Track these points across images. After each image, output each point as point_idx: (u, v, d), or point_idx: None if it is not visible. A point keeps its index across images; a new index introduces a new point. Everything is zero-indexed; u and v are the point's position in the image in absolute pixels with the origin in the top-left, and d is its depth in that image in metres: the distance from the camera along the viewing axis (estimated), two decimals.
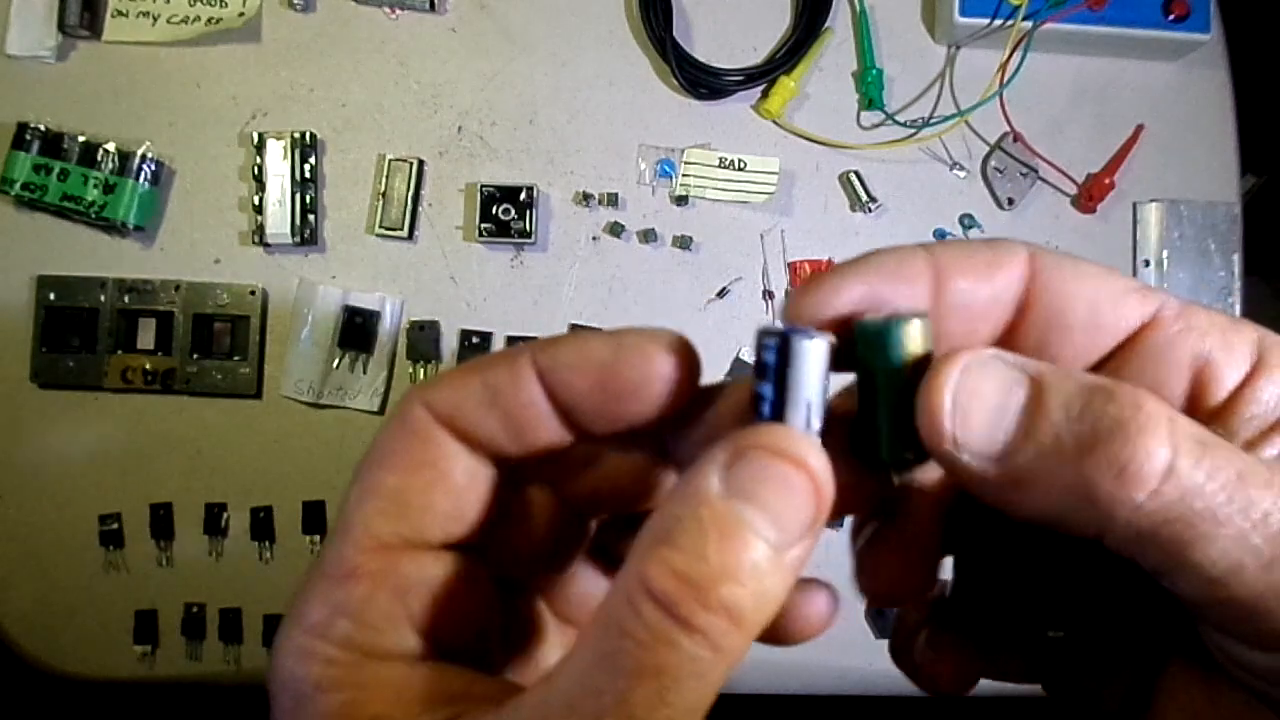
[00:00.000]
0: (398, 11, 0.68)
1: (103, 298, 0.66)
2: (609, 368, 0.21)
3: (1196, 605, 0.19)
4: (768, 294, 0.68)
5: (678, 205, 0.68)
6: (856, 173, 0.68)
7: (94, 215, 0.65)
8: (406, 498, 0.22)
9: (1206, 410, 0.21)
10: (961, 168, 0.69)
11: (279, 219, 0.65)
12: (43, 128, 0.64)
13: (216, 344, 0.67)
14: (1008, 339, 0.22)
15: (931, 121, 0.68)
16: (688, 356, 0.22)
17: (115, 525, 0.66)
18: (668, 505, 0.19)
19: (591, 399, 0.22)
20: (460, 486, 0.22)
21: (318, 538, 0.67)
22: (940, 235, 0.69)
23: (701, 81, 0.67)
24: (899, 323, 0.19)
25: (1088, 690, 0.24)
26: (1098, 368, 0.22)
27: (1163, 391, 0.21)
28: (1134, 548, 0.18)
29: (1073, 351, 0.22)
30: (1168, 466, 0.18)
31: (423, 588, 0.22)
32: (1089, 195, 0.68)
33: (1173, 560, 0.18)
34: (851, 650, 0.68)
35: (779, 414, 0.19)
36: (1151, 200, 0.70)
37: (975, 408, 0.19)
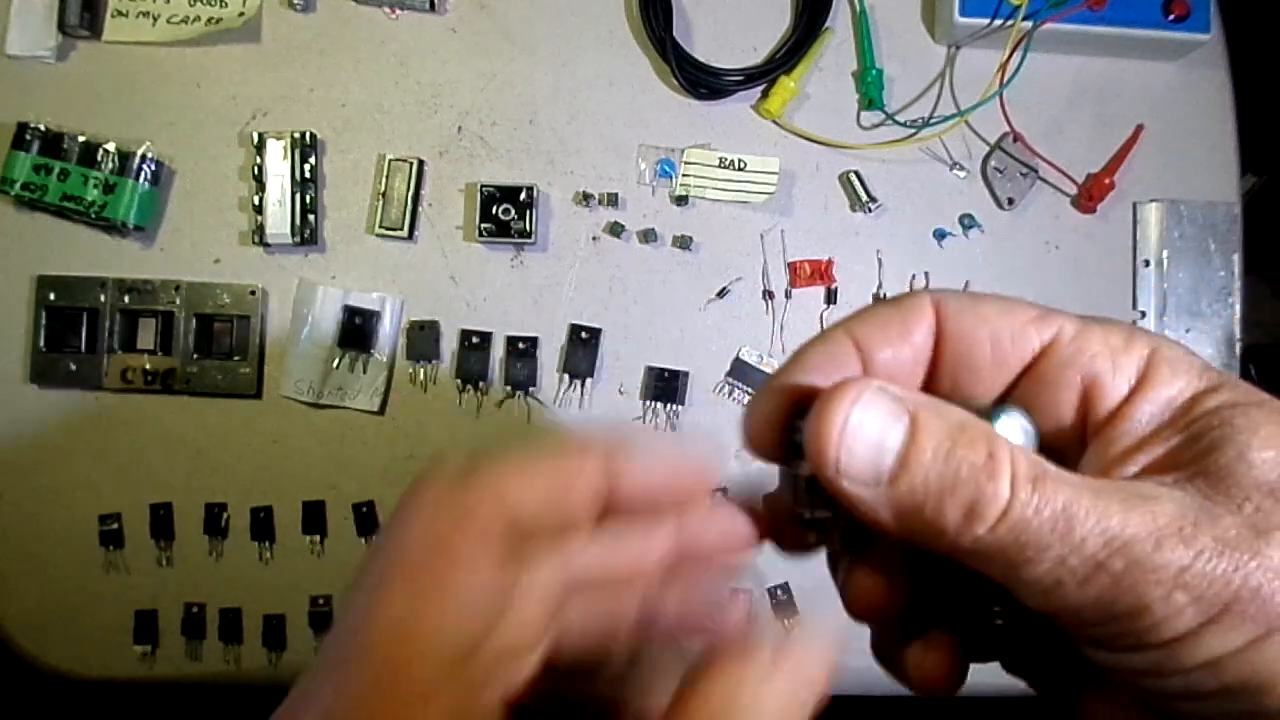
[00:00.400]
0: (398, 11, 0.68)
1: (103, 298, 0.66)
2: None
3: (1038, 613, 0.22)
4: (768, 294, 0.68)
5: (678, 205, 0.68)
6: (856, 173, 0.68)
7: (94, 215, 0.65)
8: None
9: (1094, 424, 0.24)
10: (961, 168, 0.69)
11: (279, 219, 0.66)
12: (43, 128, 0.64)
13: (217, 344, 0.67)
14: (927, 383, 0.25)
15: (931, 121, 0.68)
16: None
17: (115, 525, 0.66)
18: None
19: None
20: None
21: (318, 538, 0.67)
22: (940, 235, 0.69)
23: (701, 81, 0.67)
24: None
25: (1038, 673, 0.27)
26: (1005, 393, 0.25)
27: (1057, 410, 0.24)
28: (979, 567, 0.22)
29: (982, 385, 0.25)
30: (1004, 507, 0.21)
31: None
32: (1089, 195, 0.68)
33: (1009, 578, 0.21)
34: (851, 650, 0.68)
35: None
36: (1151, 200, 0.70)
37: (859, 440, 0.22)
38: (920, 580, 0.25)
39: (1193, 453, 0.22)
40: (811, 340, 0.25)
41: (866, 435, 0.21)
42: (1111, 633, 0.21)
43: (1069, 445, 0.25)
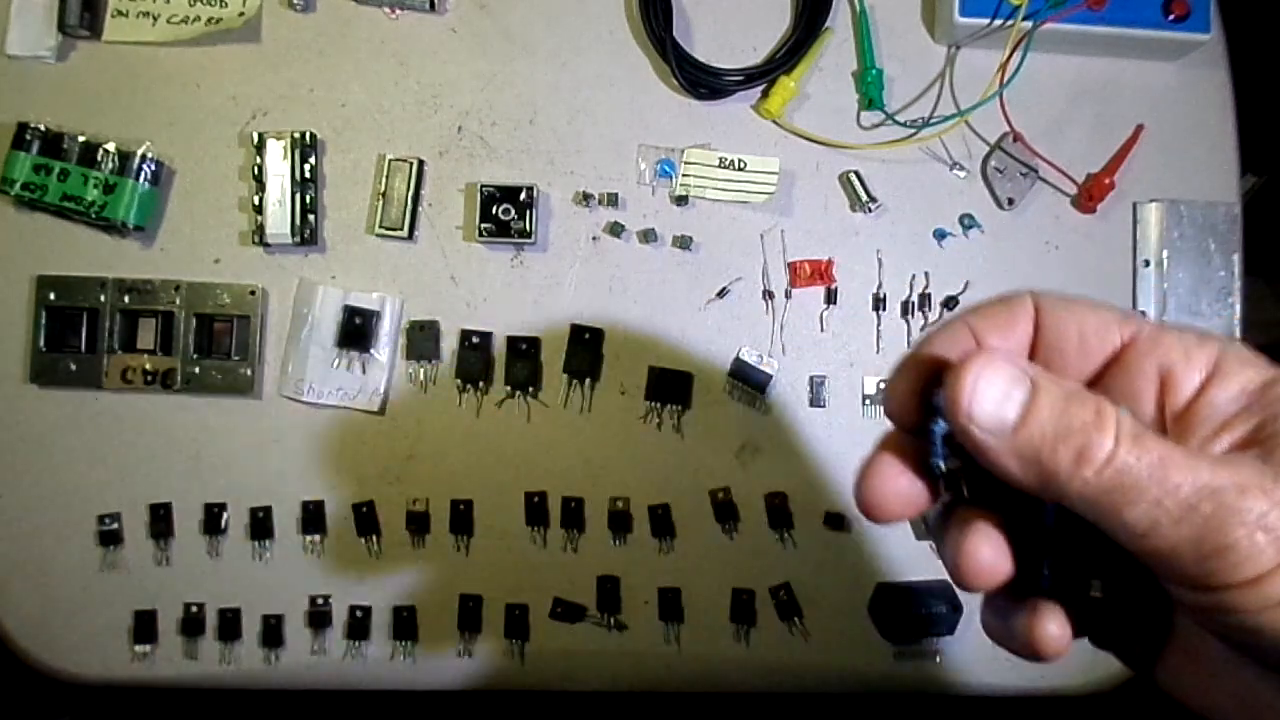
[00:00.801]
0: (398, 11, 0.68)
1: (103, 298, 0.66)
2: None
3: (1137, 556, 0.25)
4: (768, 294, 0.68)
5: (678, 205, 0.68)
6: (856, 173, 0.68)
7: (94, 215, 0.65)
8: None
9: (1172, 412, 0.27)
10: (961, 168, 0.69)
11: (279, 219, 0.66)
12: (43, 128, 0.64)
13: (216, 344, 0.67)
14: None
15: (931, 121, 0.68)
16: None
17: (115, 525, 0.66)
18: None
19: None
20: None
21: (317, 537, 0.67)
22: (940, 235, 0.69)
23: (701, 81, 0.67)
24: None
25: (1127, 643, 0.30)
26: (1092, 382, 0.29)
27: (1137, 398, 0.28)
28: (1085, 509, 0.25)
29: (1071, 370, 0.29)
30: (1110, 454, 0.24)
31: None
32: (1089, 195, 0.68)
33: (1111, 520, 0.25)
34: (851, 650, 0.68)
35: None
36: (1151, 200, 0.70)
37: (987, 393, 0.26)
38: (1024, 555, 0.28)
39: (1267, 432, 0.26)
40: (935, 327, 0.30)
41: (994, 392, 0.25)
42: (1202, 572, 0.24)
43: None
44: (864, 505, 0.29)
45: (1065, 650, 0.28)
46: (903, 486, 0.29)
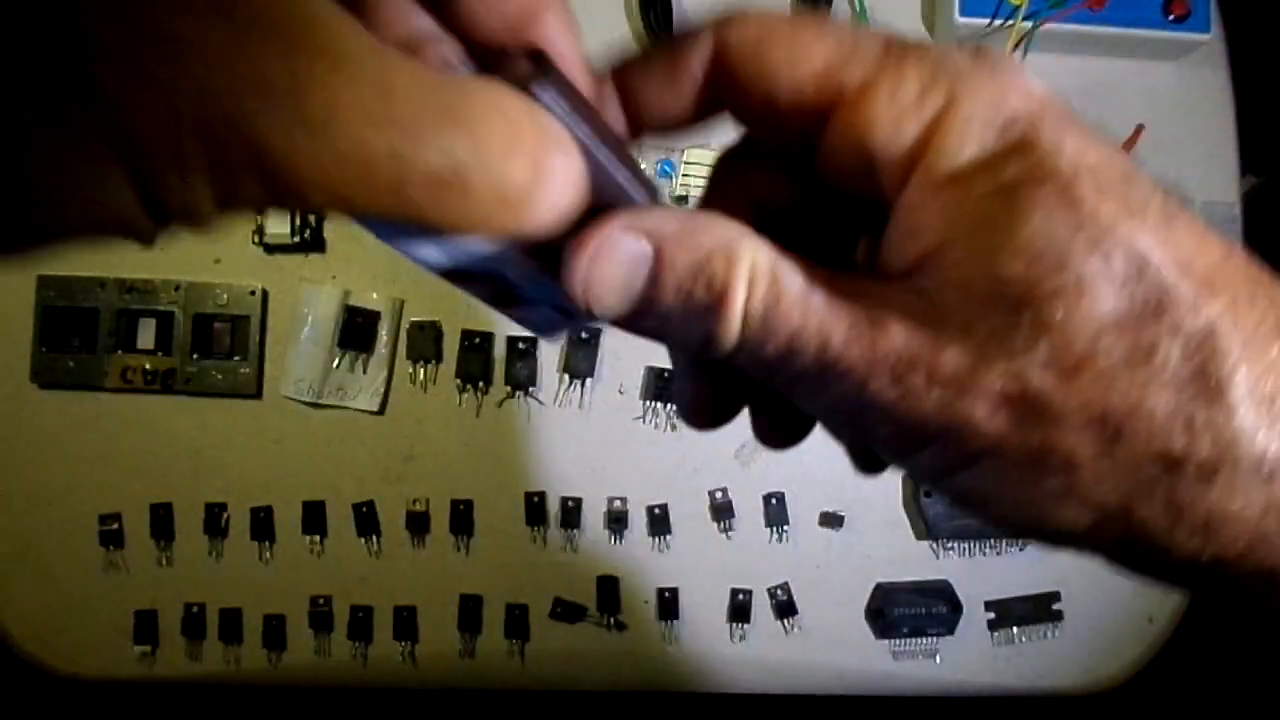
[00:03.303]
0: None
1: (103, 298, 0.66)
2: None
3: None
4: None
5: (678, 205, 0.68)
6: None
7: None
8: None
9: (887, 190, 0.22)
10: None
11: (279, 219, 0.65)
12: None
13: (216, 344, 0.67)
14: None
15: None
16: None
17: (115, 525, 0.66)
18: None
19: None
20: None
21: (318, 538, 0.67)
22: None
23: None
24: None
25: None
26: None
27: (845, 179, 0.23)
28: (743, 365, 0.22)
29: (770, 126, 0.23)
30: (735, 341, 0.21)
31: None
32: None
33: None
34: (850, 650, 0.68)
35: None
36: None
37: (605, 286, 0.22)
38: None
39: (962, 252, 0.20)
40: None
41: (612, 282, 0.22)
42: (853, 435, 0.24)
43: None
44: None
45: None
46: None
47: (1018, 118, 0.21)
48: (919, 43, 0.21)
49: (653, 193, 0.23)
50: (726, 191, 0.26)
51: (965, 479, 0.21)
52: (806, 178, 0.24)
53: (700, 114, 0.24)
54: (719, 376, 0.26)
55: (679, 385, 0.28)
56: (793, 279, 0.21)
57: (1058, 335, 0.19)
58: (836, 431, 0.25)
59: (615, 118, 0.24)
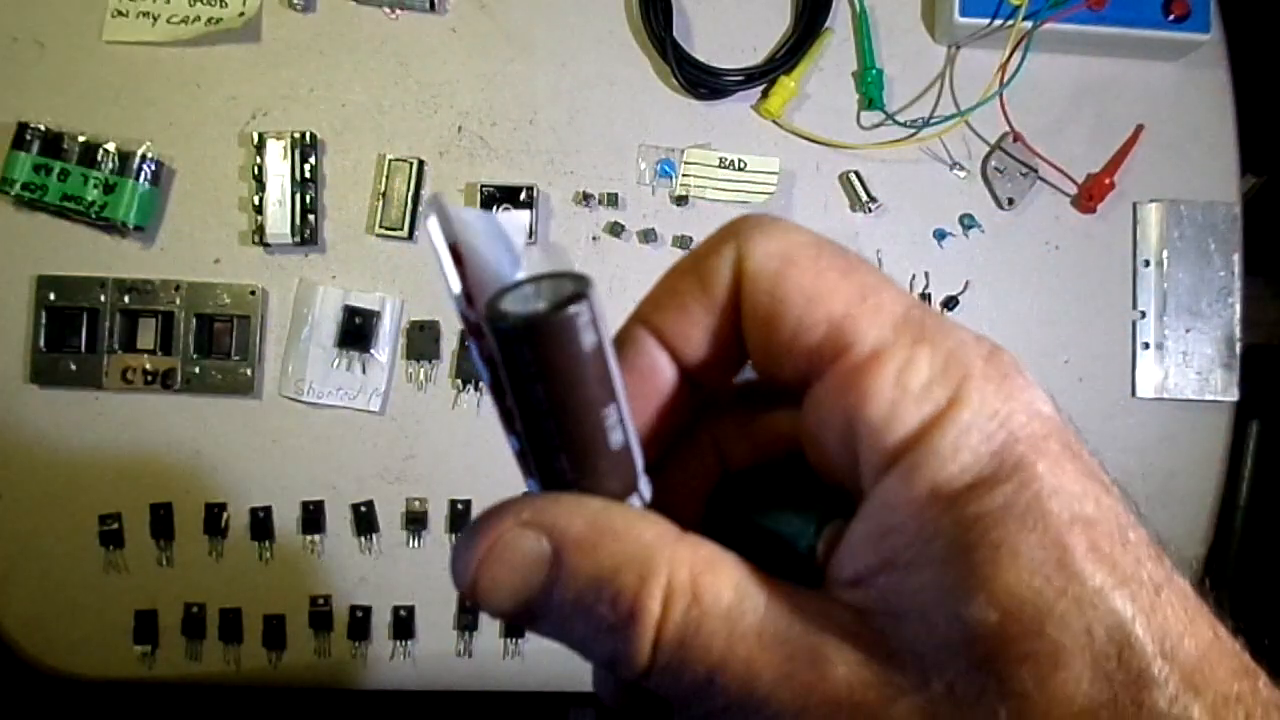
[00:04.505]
0: (398, 11, 0.68)
1: (103, 298, 0.66)
2: None
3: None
4: None
5: (678, 205, 0.68)
6: (856, 173, 0.68)
7: (94, 215, 0.65)
8: None
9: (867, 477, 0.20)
10: (961, 168, 0.69)
11: (279, 219, 0.65)
12: (43, 128, 0.64)
13: (216, 344, 0.67)
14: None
15: (931, 121, 0.68)
16: None
17: (115, 525, 0.66)
18: None
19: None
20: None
21: (317, 537, 0.67)
22: (940, 235, 0.69)
23: (701, 81, 0.67)
24: None
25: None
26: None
27: (830, 447, 0.21)
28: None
29: (785, 365, 0.21)
30: (645, 667, 0.19)
31: None
32: (1089, 195, 0.68)
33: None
34: None
35: None
36: (1151, 200, 0.70)
37: (494, 586, 0.20)
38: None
39: (930, 578, 0.18)
40: (615, 341, 0.22)
41: (503, 581, 0.20)
42: None
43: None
44: None
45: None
46: None
47: (1019, 439, 0.18)
48: (940, 318, 0.20)
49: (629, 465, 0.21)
50: (697, 444, 0.24)
51: None
52: (786, 437, 0.22)
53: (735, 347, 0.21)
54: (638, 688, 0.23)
55: (596, 673, 0.25)
56: (719, 598, 0.19)
57: (1024, 711, 0.17)
58: None
59: (659, 364, 0.22)
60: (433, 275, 0.67)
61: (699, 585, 0.19)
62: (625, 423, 0.20)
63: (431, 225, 0.19)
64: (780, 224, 0.21)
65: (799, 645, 0.18)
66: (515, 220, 0.19)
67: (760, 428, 0.23)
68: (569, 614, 0.19)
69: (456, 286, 0.19)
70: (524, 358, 0.18)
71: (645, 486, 0.21)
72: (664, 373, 0.22)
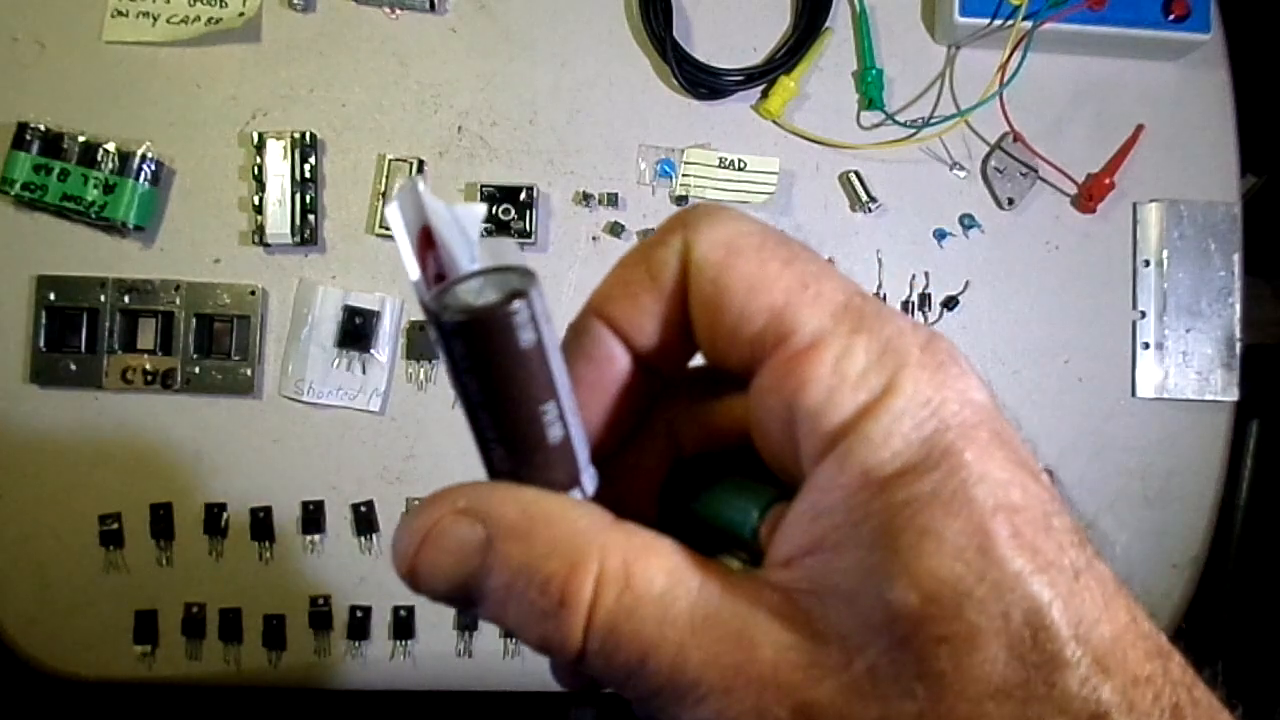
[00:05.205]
0: (398, 11, 0.68)
1: (103, 298, 0.66)
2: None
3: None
4: None
5: (678, 205, 0.68)
6: (856, 173, 0.68)
7: (94, 215, 0.65)
8: None
9: (806, 457, 0.20)
10: (961, 168, 0.69)
11: (279, 219, 0.65)
12: (43, 128, 0.64)
13: (216, 344, 0.67)
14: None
15: (931, 121, 0.68)
16: None
17: (115, 525, 0.66)
18: None
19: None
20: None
21: (317, 538, 0.67)
22: (940, 235, 0.69)
23: (701, 81, 0.67)
24: None
25: None
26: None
27: (771, 430, 0.21)
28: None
29: (731, 353, 0.22)
30: (577, 651, 0.19)
31: None
32: (1089, 195, 0.68)
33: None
34: None
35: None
36: (1151, 200, 0.70)
37: (430, 571, 0.20)
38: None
39: (855, 560, 0.18)
40: (569, 331, 0.23)
41: (438, 566, 0.20)
42: None
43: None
44: None
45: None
46: None
47: (949, 426, 0.19)
48: (880, 306, 0.20)
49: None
50: (652, 431, 0.24)
51: None
52: (740, 423, 0.22)
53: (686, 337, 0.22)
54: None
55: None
56: (651, 584, 0.19)
57: (940, 690, 0.17)
58: None
59: (613, 353, 0.23)
60: None
61: (632, 571, 0.19)
62: (566, 418, 0.20)
63: (391, 211, 0.19)
64: (727, 214, 0.21)
65: (728, 627, 0.19)
66: (473, 212, 0.19)
67: (714, 414, 0.24)
68: (503, 599, 0.20)
69: (415, 274, 0.19)
70: (459, 351, 0.19)
71: (589, 480, 0.21)
72: (618, 361, 0.23)
